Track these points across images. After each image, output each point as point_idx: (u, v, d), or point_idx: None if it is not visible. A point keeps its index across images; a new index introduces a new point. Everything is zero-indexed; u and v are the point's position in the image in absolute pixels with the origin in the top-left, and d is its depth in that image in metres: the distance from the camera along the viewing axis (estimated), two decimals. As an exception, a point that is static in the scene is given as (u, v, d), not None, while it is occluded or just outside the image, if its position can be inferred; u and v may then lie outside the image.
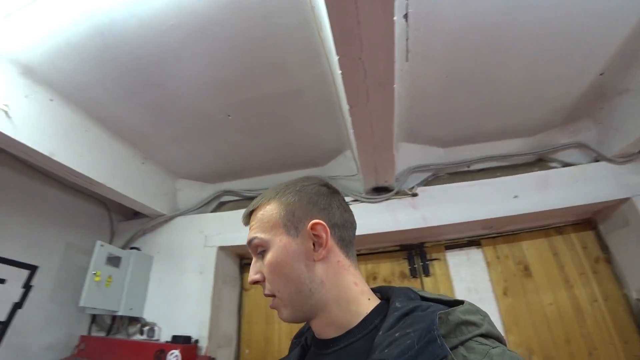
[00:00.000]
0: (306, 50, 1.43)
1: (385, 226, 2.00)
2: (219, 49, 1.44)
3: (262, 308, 2.30)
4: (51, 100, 1.69)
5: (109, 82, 1.63)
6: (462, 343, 0.46)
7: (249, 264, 2.20)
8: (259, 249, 0.62)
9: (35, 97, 1.63)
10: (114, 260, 2.06)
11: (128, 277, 2.09)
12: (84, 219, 2.32)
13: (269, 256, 0.60)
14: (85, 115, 1.83)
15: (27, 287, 1.88)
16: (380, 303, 0.61)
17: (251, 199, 2.39)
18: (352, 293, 0.60)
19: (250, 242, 0.63)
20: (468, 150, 2.11)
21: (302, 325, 0.77)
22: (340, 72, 1.12)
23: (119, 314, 1.92)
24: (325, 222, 0.61)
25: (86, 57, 1.50)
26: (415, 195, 2.04)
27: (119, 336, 2.01)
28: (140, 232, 2.46)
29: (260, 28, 1.34)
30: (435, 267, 2.08)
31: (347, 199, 2.11)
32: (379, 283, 2.14)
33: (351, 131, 1.53)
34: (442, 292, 1.95)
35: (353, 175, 2.18)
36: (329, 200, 0.65)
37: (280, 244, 0.60)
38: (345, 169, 2.24)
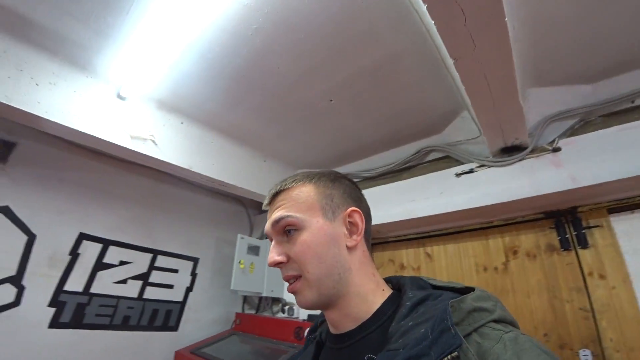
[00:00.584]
0: (393, 9, 1.29)
1: (521, 192, 1.70)
2: (303, 37, 1.44)
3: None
4: (182, 123, 2.01)
5: (219, 95, 1.82)
6: (476, 330, 0.46)
7: (378, 244, 2.20)
8: (288, 227, 0.61)
9: (170, 124, 1.96)
10: (254, 249, 2.35)
11: (266, 262, 2.36)
12: (226, 216, 2.72)
13: (303, 235, 0.59)
14: (209, 128, 2.11)
15: (194, 274, 2.32)
16: (392, 293, 0.62)
17: (370, 178, 2.37)
18: (371, 284, 0.62)
19: (279, 220, 0.61)
20: (628, 80, 1.59)
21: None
22: (433, 22, 0.97)
23: (263, 295, 2.19)
24: (361, 211, 0.64)
25: (197, 79, 1.72)
26: (557, 150, 1.66)
27: (265, 314, 2.31)
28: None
29: (337, 2, 1.27)
30: (596, 237, 1.66)
31: (471, 165, 1.88)
32: (521, 258, 1.85)
33: (462, 88, 1.33)
34: (609, 268, 1.56)
35: (475, 138, 1.93)
36: (359, 194, 0.69)
37: (317, 224, 0.60)
38: (465, 132, 1.99)
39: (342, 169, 2.58)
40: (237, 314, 2.32)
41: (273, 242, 0.63)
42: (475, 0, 0.87)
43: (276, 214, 0.62)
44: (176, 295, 2.22)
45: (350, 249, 0.61)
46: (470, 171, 1.89)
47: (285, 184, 0.66)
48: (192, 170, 2.03)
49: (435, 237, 2.14)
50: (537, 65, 1.55)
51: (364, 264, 0.62)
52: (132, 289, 2.07)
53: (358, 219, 0.63)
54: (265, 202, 0.68)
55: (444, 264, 2.05)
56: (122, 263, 2.09)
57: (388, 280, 0.67)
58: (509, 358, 0.41)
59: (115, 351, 1.93)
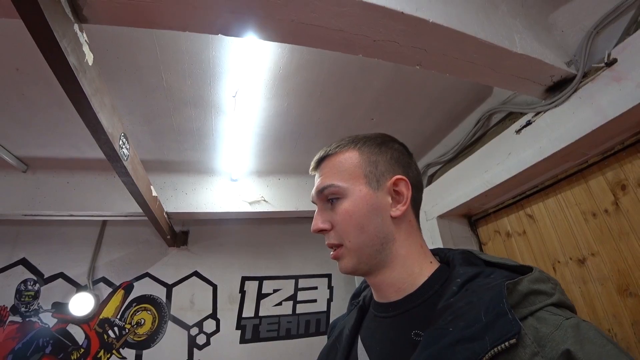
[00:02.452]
0: None
1: (588, 124, 1.51)
2: (339, 78, 1.81)
3: (505, 257, 2.21)
4: (279, 179, 2.63)
5: (293, 148, 2.36)
6: (532, 313, 0.43)
7: (480, 219, 2.32)
8: (331, 196, 0.61)
9: (271, 183, 2.65)
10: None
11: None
12: None
13: (345, 204, 0.59)
14: (298, 175, 2.66)
15: (330, 287, 2.84)
16: (440, 267, 0.60)
17: (450, 160, 2.43)
18: (418, 254, 0.60)
19: (323, 189, 0.61)
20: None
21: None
22: None
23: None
24: (407, 179, 0.61)
25: (275, 148, 2.29)
26: (612, 63, 1.44)
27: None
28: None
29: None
30: None
31: (527, 117, 1.78)
32: (632, 192, 1.57)
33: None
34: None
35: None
36: (408, 160, 0.66)
37: (360, 194, 0.59)
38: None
39: (423, 161, 2.69)
40: None
41: (317, 209, 0.63)
42: None
43: (320, 182, 0.62)
44: (320, 306, 2.80)
45: (395, 218, 0.59)
46: (528, 123, 1.77)
47: (330, 150, 0.65)
48: (299, 210, 2.60)
49: (532, 195, 2.01)
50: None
51: (411, 234, 0.61)
52: (286, 308, 2.76)
53: (404, 187, 0.61)
54: (312, 167, 0.67)
55: (549, 221, 1.91)
56: (275, 291, 2.82)
57: (435, 253, 0.65)
58: (570, 347, 0.38)
59: (287, 355, 2.61)
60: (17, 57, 1.50)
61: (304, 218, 2.95)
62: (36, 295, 2.65)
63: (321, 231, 0.61)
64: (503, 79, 1.48)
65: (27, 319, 2.57)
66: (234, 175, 2.52)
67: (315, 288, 2.84)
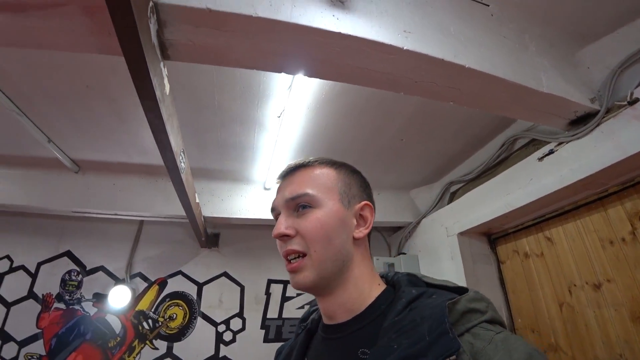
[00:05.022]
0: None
1: (608, 158, 1.61)
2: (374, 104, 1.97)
3: (522, 276, 2.30)
4: None
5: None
6: (468, 330, 0.48)
7: (500, 238, 2.43)
8: (302, 204, 0.62)
9: None
10: (389, 267, 2.82)
11: (402, 276, 2.79)
12: None
13: (318, 214, 0.60)
14: None
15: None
16: (386, 288, 0.63)
17: (472, 180, 2.54)
18: (369, 276, 0.63)
19: (296, 197, 0.62)
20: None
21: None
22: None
23: (404, 303, 2.61)
24: (373, 206, 0.66)
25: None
26: (634, 102, 1.54)
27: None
28: (403, 239, 3.15)
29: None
30: None
31: (550, 146, 1.88)
32: (648, 222, 1.66)
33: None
34: None
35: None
36: (371, 192, 0.71)
37: (333, 207, 0.61)
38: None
39: (445, 179, 2.81)
40: None
41: (282, 214, 0.63)
42: None
43: (295, 191, 0.62)
44: None
45: (356, 240, 0.62)
46: (551, 152, 1.88)
47: (308, 162, 0.67)
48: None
49: (551, 218, 2.10)
50: (577, 20, 1.52)
51: (365, 257, 0.65)
52: (308, 312, 2.91)
53: (369, 213, 0.65)
54: (281, 174, 0.69)
55: (567, 245, 2.00)
56: (298, 295, 2.97)
57: (382, 276, 0.68)
58: (500, 358, 0.43)
59: (308, 356, 2.74)
60: (88, 76, 1.70)
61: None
62: (79, 285, 2.87)
63: (284, 236, 0.61)
64: (528, 114, 1.60)
65: (70, 307, 2.79)
66: (267, 185, 2.69)
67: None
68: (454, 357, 0.43)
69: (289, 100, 1.75)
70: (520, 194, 2.02)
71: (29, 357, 2.60)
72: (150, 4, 0.84)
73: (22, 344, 2.64)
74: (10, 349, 2.61)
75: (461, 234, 2.53)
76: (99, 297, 2.80)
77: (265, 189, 2.73)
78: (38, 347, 2.64)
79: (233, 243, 3.11)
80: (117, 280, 2.84)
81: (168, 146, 1.36)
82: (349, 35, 1.02)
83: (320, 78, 1.19)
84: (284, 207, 0.64)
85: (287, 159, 2.43)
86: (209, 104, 1.86)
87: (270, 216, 2.54)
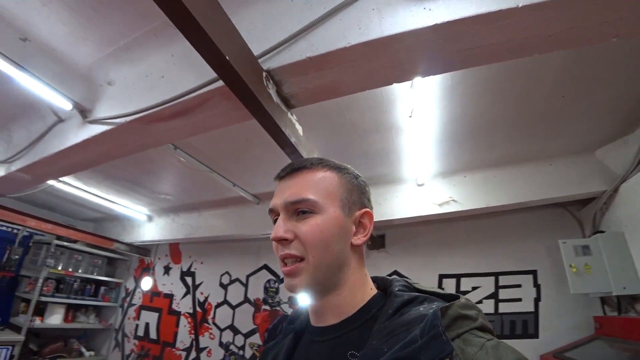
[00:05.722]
0: None
1: None
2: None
3: None
4: (465, 177, 2.61)
5: (473, 147, 2.33)
6: (459, 336, 0.48)
7: None
8: (302, 209, 0.60)
9: (458, 183, 2.65)
10: (583, 250, 2.32)
11: (605, 259, 2.22)
12: (546, 223, 2.76)
13: (318, 219, 0.59)
14: (482, 169, 2.57)
15: (537, 285, 2.57)
16: (377, 293, 0.63)
17: None
18: (363, 282, 0.63)
19: (297, 202, 0.60)
20: None
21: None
22: None
23: (614, 294, 2.08)
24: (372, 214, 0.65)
25: (454, 148, 2.34)
26: None
27: (631, 314, 2.10)
28: (597, 213, 2.52)
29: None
30: None
31: None
32: None
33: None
34: None
35: None
36: (370, 195, 0.69)
37: (333, 214, 0.60)
38: None
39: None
40: (596, 318, 2.24)
41: (281, 217, 0.62)
42: None
43: (296, 195, 0.61)
44: (526, 306, 2.54)
45: (353, 247, 0.62)
46: None
47: (310, 163, 0.65)
48: (490, 205, 2.51)
49: None
50: None
51: (360, 263, 0.64)
52: (488, 307, 2.64)
53: (368, 220, 0.64)
54: (280, 173, 0.66)
55: None
56: (473, 288, 2.76)
57: (373, 280, 0.67)
58: None
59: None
60: (245, 132, 2.12)
61: (497, 213, 2.78)
62: (277, 291, 3.57)
63: (282, 240, 0.59)
64: None
65: (273, 308, 3.53)
66: (420, 181, 2.67)
67: (519, 286, 2.61)
68: None
69: (415, 98, 1.72)
70: None
71: (252, 346, 3.50)
72: (264, 74, 1.01)
73: (246, 335, 3.61)
74: (239, 339, 3.62)
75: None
76: (293, 300, 3.38)
77: (418, 185, 2.71)
78: (256, 339, 3.52)
79: (399, 242, 3.18)
80: (303, 286, 3.38)
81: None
82: (447, 22, 0.95)
83: (434, 75, 1.14)
84: (283, 210, 0.62)
85: (432, 152, 2.35)
86: (343, 123, 2.02)
87: (431, 210, 2.44)
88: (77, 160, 2.03)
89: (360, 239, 0.63)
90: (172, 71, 1.44)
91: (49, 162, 2.09)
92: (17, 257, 4.10)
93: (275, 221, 0.63)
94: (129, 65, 1.65)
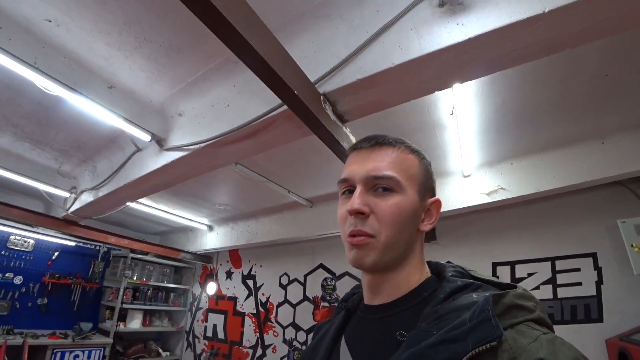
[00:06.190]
0: None
1: None
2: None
3: None
4: (512, 164, 2.63)
5: (516, 133, 2.37)
6: (512, 326, 0.46)
7: None
8: (384, 185, 0.59)
9: (505, 170, 2.67)
10: (643, 228, 2.26)
11: (670, 236, 2.15)
12: (605, 202, 2.66)
13: (398, 199, 0.58)
14: (531, 154, 2.57)
15: (598, 268, 2.52)
16: (431, 277, 0.63)
17: None
18: (421, 265, 0.64)
19: (382, 177, 0.59)
20: None
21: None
22: None
23: (685, 271, 2.02)
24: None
25: (496, 137, 2.39)
26: None
27: None
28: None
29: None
30: None
31: None
32: None
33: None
34: None
35: None
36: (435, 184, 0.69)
37: (412, 197, 0.60)
38: None
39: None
40: None
41: (360, 190, 0.59)
42: None
43: (381, 169, 0.59)
44: (587, 290, 2.48)
45: (419, 232, 0.62)
46: None
47: (395, 141, 0.64)
48: (540, 190, 2.48)
49: None
50: None
51: (421, 247, 0.64)
52: (546, 293, 2.62)
53: (436, 210, 0.64)
54: (363, 144, 0.65)
55: None
56: (529, 275, 2.75)
57: (428, 264, 0.67)
58: (545, 356, 0.41)
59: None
60: (300, 142, 2.27)
61: (551, 196, 2.73)
62: (334, 288, 3.74)
63: (358, 213, 0.58)
64: None
65: (331, 304, 3.69)
66: (466, 172, 2.72)
67: (578, 270, 2.56)
68: (494, 343, 0.42)
69: (455, 96, 1.82)
70: None
71: (313, 342, 3.77)
72: (322, 97, 1.19)
73: (308, 332, 3.83)
74: (301, 336, 3.86)
75: None
76: (350, 296, 3.55)
77: (465, 176, 2.76)
78: (318, 335, 3.76)
79: (449, 233, 3.24)
80: (359, 281, 3.52)
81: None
82: (480, 35, 1.06)
83: (473, 79, 1.25)
84: (362, 182, 0.60)
85: (476, 143, 2.40)
86: (388, 127, 2.16)
87: (479, 200, 2.52)
88: (156, 183, 2.34)
89: (427, 225, 0.63)
90: (236, 99, 1.67)
91: (131, 186, 2.43)
92: (99, 270, 4.67)
93: (345, 192, 0.64)
94: (196, 97, 1.91)
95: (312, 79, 1.27)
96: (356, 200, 0.58)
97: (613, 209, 2.61)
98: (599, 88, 1.95)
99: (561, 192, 2.56)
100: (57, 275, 4.22)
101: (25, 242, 4.10)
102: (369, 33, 1.24)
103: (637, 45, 1.67)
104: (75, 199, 3.25)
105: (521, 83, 1.84)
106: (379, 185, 0.59)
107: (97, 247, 4.72)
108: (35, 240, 4.14)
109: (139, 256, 4.68)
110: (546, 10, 1.01)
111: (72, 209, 3.29)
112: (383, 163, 0.60)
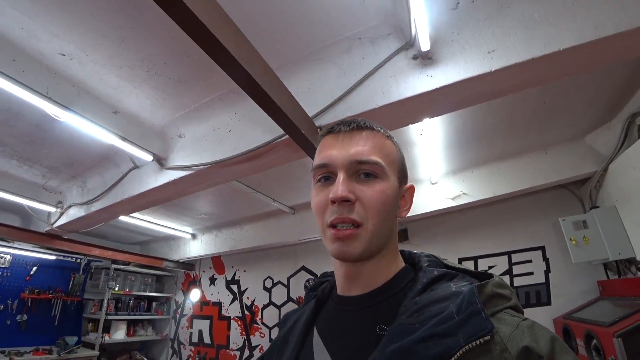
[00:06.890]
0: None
1: None
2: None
3: None
4: (472, 172, 3.01)
5: (473, 145, 2.74)
6: (493, 314, 0.47)
7: None
8: (368, 171, 0.57)
9: (467, 178, 3.03)
10: (581, 224, 2.70)
11: (600, 231, 2.59)
12: (550, 202, 3.12)
13: (383, 185, 0.57)
14: (487, 164, 2.98)
15: (546, 259, 2.96)
16: (405, 266, 0.62)
17: None
18: (395, 253, 0.63)
19: (367, 162, 0.56)
20: None
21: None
22: None
23: (611, 259, 2.46)
24: None
25: (461, 149, 2.75)
26: None
27: (629, 275, 2.48)
28: (592, 191, 2.88)
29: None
30: None
31: None
32: None
33: None
34: None
35: None
36: None
37: (393, 183, 0.59)
38: None
39: (626, 111, 2.47)
40: (599, 282, 2.62)
41: (343, 176, 0.56)
42: None
43: (365, 154, 0.57)
44: (538, 278, 2.94)
45: (395, 218, 0.61)
46: None
47: (373, 125, 0.62)
48: (497, 194, 2.89)
49: None
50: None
51: (396, 235, 0.63)
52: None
53: (410, 196, 0.64)
54: (342, 127, 0.61)
55: None
56: (489, 268, 3.17)
57: (401, 253, 0.66)
58: (528, 343, 0.43)
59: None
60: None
61: (507, 198, 3.13)
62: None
63: (344, 201, 0.54)
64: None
65: (317, 305, 3.96)
66: (433, 180, 3.09)
67: (530, 261, 3.01)
68: (487, 337, 0.42)
69: (424, 122, 2.13)
70: None
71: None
72: (318, 129, 1.46)
73: None
74: None
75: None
76: (333, 296, 3.83)
77: (432, 183, 3.13)
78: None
79: (420, 233, 3.62)
80: (340, 281, 3.82)
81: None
82: (444, 86, 1.37)
83: (439, 115, 1.56)
84: (344, 168, 0.56)
85: (442, 156, 2.76)
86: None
87: (445, 204, 2.91)
88: (155, 198, 2.50)
89: (404, 211, 0.63)
90: (237, 126, 1.90)
91: (128, 202, 2.56)
92: (80, 283, 4.65)
93: (320, 179, 0.60)
94: (197, 121, 2.11)
95: (309, 113, 1.53)
96: (341, 187, 0.54)
97: (558, 207, 3.06)
98: (540, 111, 2.35)
99: (514, 195, 2.99)
100: (36, 291, 4.17)
101: (1, 257, 4.04)
102: (357, 77, 1.52)
103: (569, 80, 2.05)
104: (62, 214, 3.30)
105: (478, 108, 2.18)
106: (362, 171, 0.57)
107: (78, 260, 4.69)
108: (12, 255, 4.08)
109: (121, 267, 4.70)
110: (493, 70, 1.34)
111: (57, 223, 3.33)
112: (366, 148, 0.58)
